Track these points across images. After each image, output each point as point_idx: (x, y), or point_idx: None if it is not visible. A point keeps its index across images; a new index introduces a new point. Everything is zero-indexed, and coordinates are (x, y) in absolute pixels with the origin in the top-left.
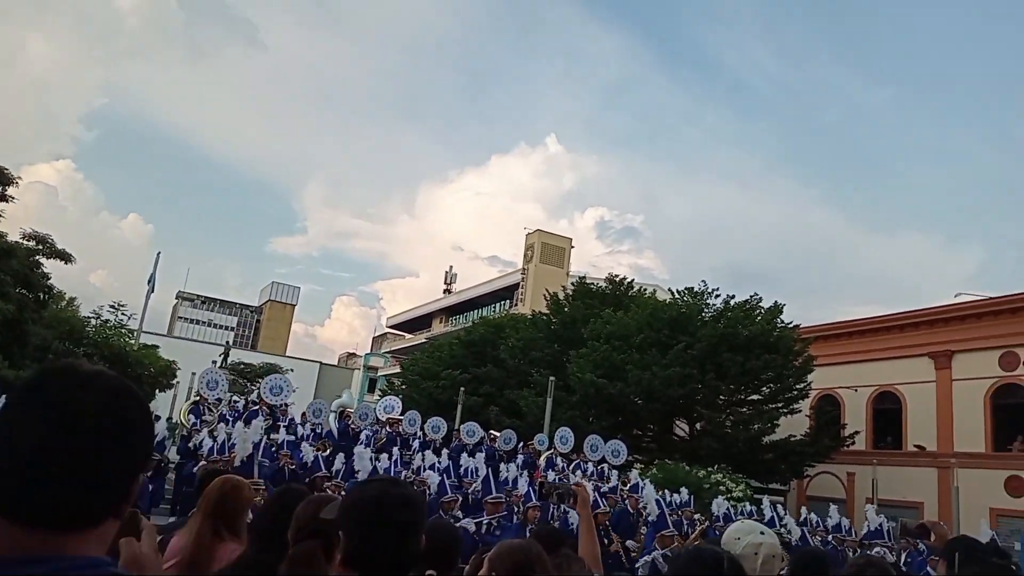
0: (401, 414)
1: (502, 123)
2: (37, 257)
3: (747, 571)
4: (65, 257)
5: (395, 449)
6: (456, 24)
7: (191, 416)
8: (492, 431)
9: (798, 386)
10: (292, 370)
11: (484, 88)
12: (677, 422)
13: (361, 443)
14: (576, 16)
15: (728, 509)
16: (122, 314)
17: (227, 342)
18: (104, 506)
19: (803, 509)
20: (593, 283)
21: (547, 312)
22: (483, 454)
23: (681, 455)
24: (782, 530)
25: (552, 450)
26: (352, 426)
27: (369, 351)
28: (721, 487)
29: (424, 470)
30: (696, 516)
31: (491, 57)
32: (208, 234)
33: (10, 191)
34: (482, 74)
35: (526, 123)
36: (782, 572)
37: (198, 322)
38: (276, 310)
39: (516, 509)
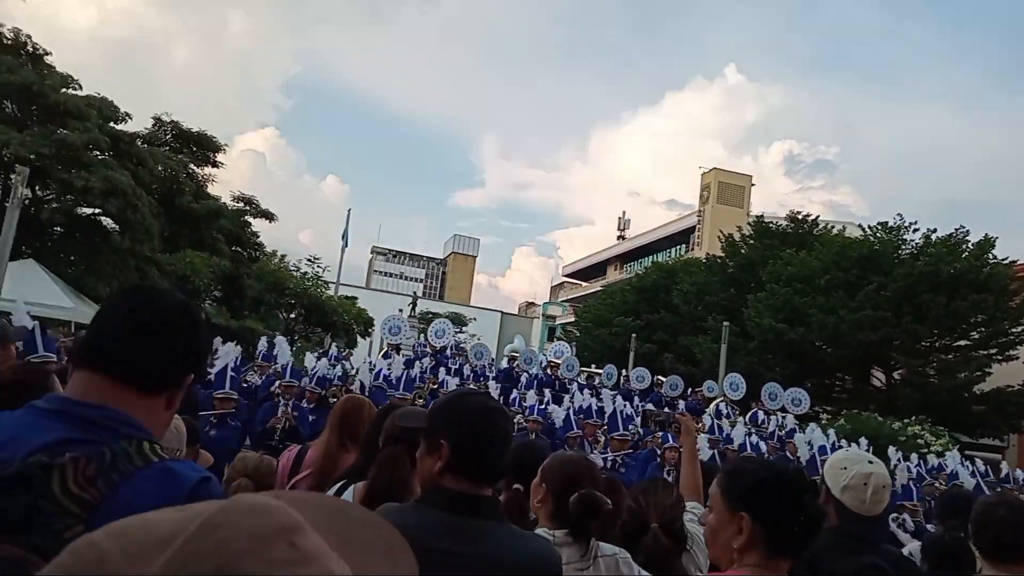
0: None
1: (675, 58)
2: (245, 217)
3: (854, 501)
4: (268, 216)
5: (547, 391)
6: None
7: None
8: (659, 376)
9: (1014, 330)
10: (475, 319)
11: (655, 22)
12: (872, 371)
13: (522, 385)
14: None
15: (899, 460)
16: (317, 267)
17: (414, 292)
18: (156, 378)
19: (1004, 465)
20: (772, 222)
21: (722, 255)
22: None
23: (877, 406)
24: (963, 483)
25: (723, 397)
26: (516, 369)
27: (548, 300)
28: (919, 440)
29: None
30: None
31: None
32: (397, 190)
33: (219, 157)
34: (652, 7)
35: (701, 55)
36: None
37: (390, 275)
38: (459, 262)
39: (656, 451)
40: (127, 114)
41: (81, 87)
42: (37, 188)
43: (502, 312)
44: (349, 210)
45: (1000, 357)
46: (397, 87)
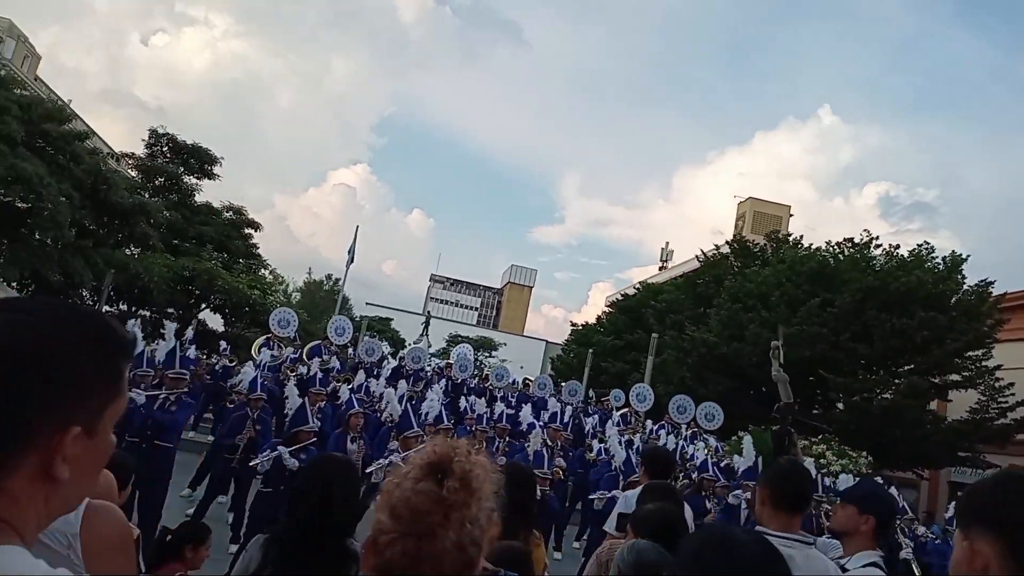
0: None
1: (767, 98)
2: (244, 229)
3: None
4: (255, 225)
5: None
6: None
7: (261, 349)
8: (562, 383)
9: (970, 353)
10: (505, 344)
11: (747, 62)
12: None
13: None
14: None
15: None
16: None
17: (428, 312)
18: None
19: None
20: (751, 241)
21: (699, 275)
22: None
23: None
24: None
25: (627, 408)
26: (406, 369)
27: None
28: (821, 460)
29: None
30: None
31: (754, 27)
32: (479, 224)
33: (216, 169)
34: (744, 47)
35: (794, 95)
36: None
37: (446, 302)
38: (515, 291)
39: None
40: (73, 113)
41: (26, 89)
42: None
43: (547, 341)
44: (357, 227)
45: (967, 385)
46: (484, 126)
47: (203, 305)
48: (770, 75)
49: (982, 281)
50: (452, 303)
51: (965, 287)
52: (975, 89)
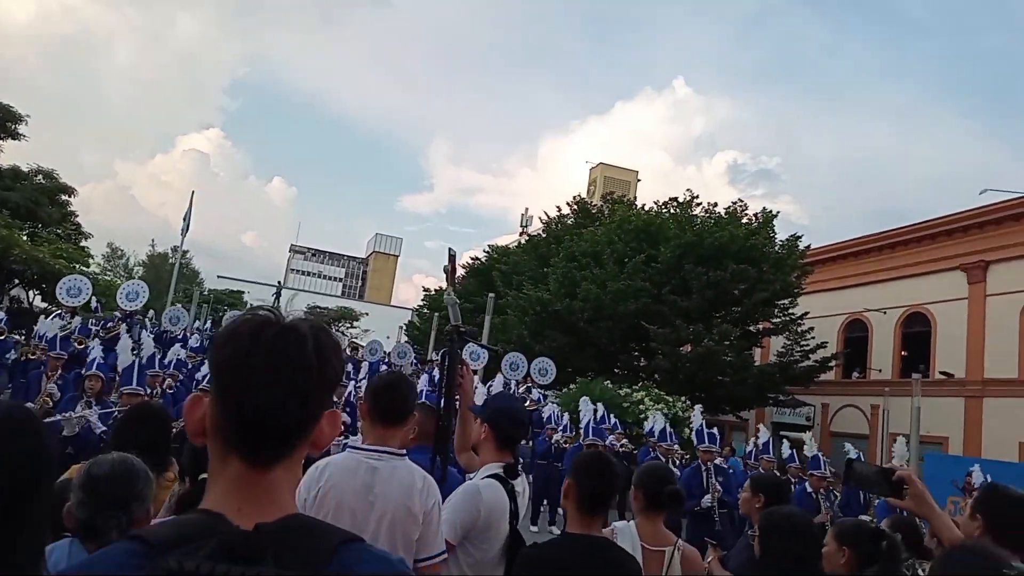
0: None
1: (626, 68)
2: (57, 195)
3: None
4: (69, 191)
5: None
6: None
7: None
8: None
9: (779, 302)
10: (367, 314)
11: (607, 32)
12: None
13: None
14: None
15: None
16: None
17: (279, 282)
18: None
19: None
20: (590, 202)
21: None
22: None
23: (636, 377)
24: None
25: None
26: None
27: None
28: (640, 405)
29: None
30: None
31: None
32: (344, 193)
33: (21, 128)
34: (604, 17)
35: (651, 67)
36: None
37: (309, 273)
38: (381, 261)
39: None
40: None
41: None
42: None
43: (412, 309)
44: (192, 192)
45: (770, 330)
46: (348, 90)
47: (15, 280)
48: (629, 46)
49: (791, 236)
50: (315, 274)
51: (778, 243)
52: (812, 64)
